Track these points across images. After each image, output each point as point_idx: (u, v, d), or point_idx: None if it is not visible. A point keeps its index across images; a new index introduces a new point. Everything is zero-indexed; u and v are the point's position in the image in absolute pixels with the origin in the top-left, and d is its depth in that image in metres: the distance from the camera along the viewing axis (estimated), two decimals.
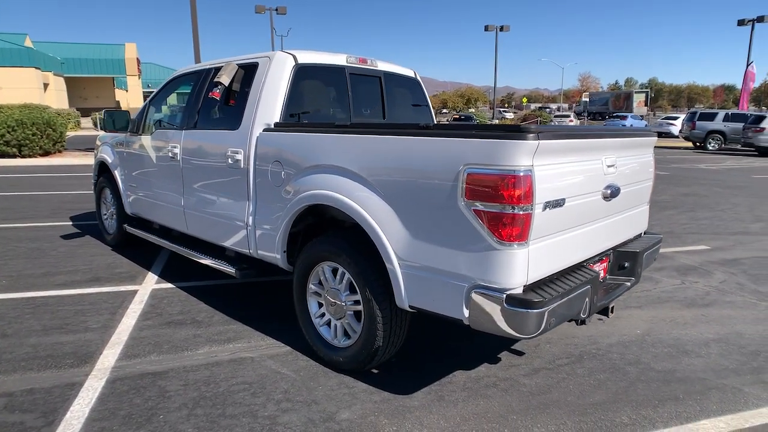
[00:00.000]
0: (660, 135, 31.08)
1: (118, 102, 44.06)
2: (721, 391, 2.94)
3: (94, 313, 3.87)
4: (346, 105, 3.95)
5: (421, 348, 3.39)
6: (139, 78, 44.00)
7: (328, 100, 3.89)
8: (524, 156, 2.18)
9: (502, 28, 37.27)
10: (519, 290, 2.28)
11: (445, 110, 52.69)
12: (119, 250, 5.55)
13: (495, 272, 2.26)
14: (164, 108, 5.02)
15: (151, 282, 4.57)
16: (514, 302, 2.22)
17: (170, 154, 4.27)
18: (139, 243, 5.55)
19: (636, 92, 59.97)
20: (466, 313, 2.38)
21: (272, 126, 3.44)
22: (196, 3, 14.60)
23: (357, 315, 2.96)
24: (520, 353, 3.37)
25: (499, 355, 3.33)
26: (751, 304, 4.33)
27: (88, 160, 14.50)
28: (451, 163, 2.33)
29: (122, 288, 4.41)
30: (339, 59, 3.89)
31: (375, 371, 3.06)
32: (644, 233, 3.59)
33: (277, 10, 31.01)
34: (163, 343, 3.40)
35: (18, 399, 2.71)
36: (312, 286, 3.20)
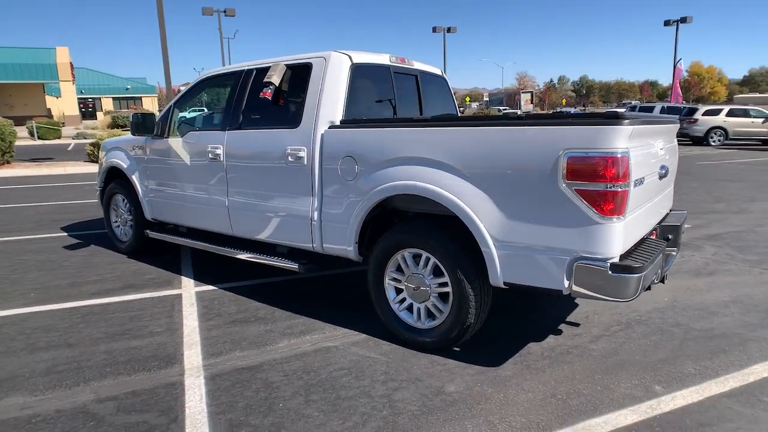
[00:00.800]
0: None
1: (49, 109, 41.46)
2: (756, 341, 3.36)
3: (150, 318, 3.83)
4: (392, 102, 4.12)
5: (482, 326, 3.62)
6: (74, 84, 41.63)
7: (376, 97, 4.04)
8: (622, 140, 2.46)
9: (449, 30, 38.21)
10: (617, 259, 2.56)
11: None
12: (136, 257, 5.42)
13: (598, 244, 2.53)
14: (191, 110, 4.98)
15: (190, 286, 4.54)
16: (618, 269, 2.50)
17: (210, 155, 4.27)
18: (156, 249, 5.47)
19: (522, 92, 63.51)
20: (566, 283, 2.63)
21: (337, 123, 3.56)
22: (160, 13, 14.08)
23: (442, 296, 3.15)
24: (575, 324, 3.68)
25: (559, 327, 3.62)
26: (745, 270, 4.87)
27: (43, 170, 13.74)
28: (550, 149, 2.58)
29: (163, 293, 4.36)
30: (383, 59, 4.05)
31: (456, 349, 3.26)
32: (671, 210, 4.00)
33: (225, 12, 30.34)
34: (240, 340, 3.44)
35: (126, 401, 2.70)
36: (390, 274, 3.35)
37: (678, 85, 27.82)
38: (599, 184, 2.47)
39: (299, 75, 3.86)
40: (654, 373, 2.97)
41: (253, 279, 4.68)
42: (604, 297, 2.57)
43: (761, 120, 20.71)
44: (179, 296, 4.28)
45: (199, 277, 4.75)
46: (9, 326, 3.69)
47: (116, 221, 5.72)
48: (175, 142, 4.66)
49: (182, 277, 4.79)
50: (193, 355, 3.22)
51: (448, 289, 3.08)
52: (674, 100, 28.10)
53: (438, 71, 4.74)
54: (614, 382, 2.87)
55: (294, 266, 3.84)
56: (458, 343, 3.16)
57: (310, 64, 3.76)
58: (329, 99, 3.59)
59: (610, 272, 2.50)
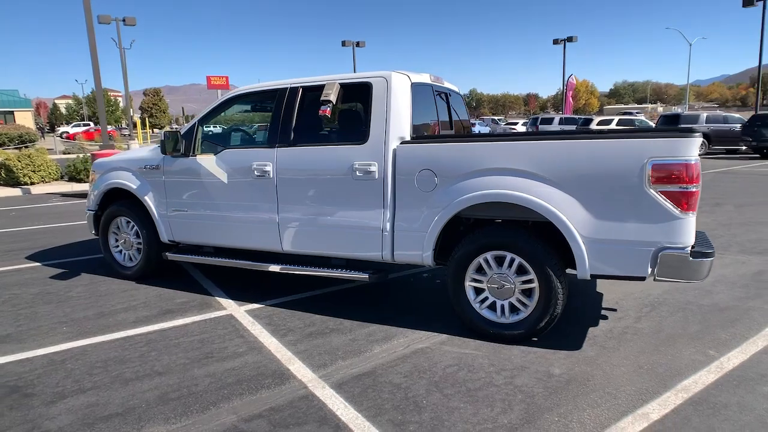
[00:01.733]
0: None
1: None
2: (755, 310, 4.13)
3: (221, 340, 3.76)
4: (435, 116, 4.45)
5: None
6: None
7: (426, 113, 4.34)
8: (695, 149, 3.01)
9: (358, 44, 39.06)
10: (690, 248, 3.11)
11: None
12: (145, 282, 5.15)
13: (679, 235, 3.06)
14: (214, 127, 4.88)
15: (233, 306, 4.46)
16: (697, 254, 3.05)
17: (257, 173, 4.28)
18: (165, 272, 5.26)
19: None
20: (649, 270, 3.14)
21: (407, 138, 3.81)
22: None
23: (526, 292, 3.52)
24: (613, 309, 4.23)
25: (603, 313, 4.15)
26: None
27: None
28: (636, 157, 3.07)
29: (212, 315, 4.26)
30: (426, 78, 4.37)
31: (534, 339, 3.64)
32: None
33: (125, 20, 28.39)
34: (333, 351, 3.54)
35: (274, 417, 2.73)
36: (471, 275, 3.66)
37: (570, 97, 31.03)
38: (680, 186, 3.00)
39: (356, 93, 4.05)
40: (700, 341, 3.57)
41: (291, 294, 4.71)
42: (683, 280, 3.11)
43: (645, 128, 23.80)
44: (231, 317, 4.21)
45: (235, 297, 4.67)
46: (72, 361, 3.44)
47: (117, 246, 5.38)
48: (207, 160, 4.58)
49: (216, 297, 4.67)
50: (300, 369, 3.27)
51: (533, 285, 3.46)
52: (568, 111, 31.27)
53: (456, 88, 5.14)
54: (677, 352, 3.42)
55: (364, 276, 3.99)
56: (544, 332, 3.54)
57: (370, 83, 3.97)
58: (397, 116, 3.83)
59: (690, 258, 3.04)
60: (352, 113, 4.18)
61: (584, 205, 3.23)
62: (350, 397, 2.93)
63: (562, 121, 27.06)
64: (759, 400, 2.81)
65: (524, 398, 2.88)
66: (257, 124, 5.92)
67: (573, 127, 25.45)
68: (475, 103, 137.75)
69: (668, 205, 3.04)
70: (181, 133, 4.71)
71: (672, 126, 20.50)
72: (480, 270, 3.65)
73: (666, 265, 3.09)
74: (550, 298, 3.41)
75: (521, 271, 3.50)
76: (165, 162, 4.84)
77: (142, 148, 6.20)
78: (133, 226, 5.19)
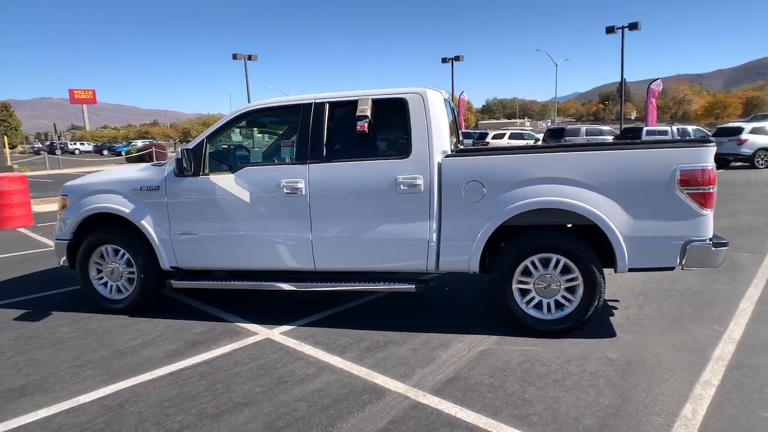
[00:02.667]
0: None
1: None
2: (722, 291, 4.94)
3: (281, 364, 3.62)
4: (458, 128, 4.71)
5: None
6: None
7: (449, 125, 4.56)
8: (712, 156, 3.62)
9: (250, 57, 38.15)
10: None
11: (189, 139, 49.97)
12: (141, 314, 4.71)
13: (703, 229, 3.63)
14: (224, 146, 4.64)
15: (263, 330, 4.28)
16: (717, 245, 3.64)
17: (286, 190, 4.19)
18: (158, 302, 4.89)
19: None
20: (678, 260, 3.68)
21: (448, 152, 4.02)
22: None
23: (570, 289, 3.89)
24: (616, 300, 4.79)
25: (610, 304, 4.67)
26: None
27: None
28: (668, 164, 3.60)
29: (248, 341, 4.05)
30: (444, 93, 4.61)
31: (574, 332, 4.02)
32: None
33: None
34: (404, 361, 3.60)
35: (400, 429, 2.76)
36: (518, 278, 3.95)
37: (462, 113, 33.28)
38: (702, 187, 3.58)
39: (390, 109, 4.18)
40: (701, 320, 4.22)
41: (315, 313, 4.63)
42: (705, 266, 3.69)
43: (533, 141, 26.32)
44: (271, 341, 4.05)
45: (257, 321, 4.47)
46: (131, 404, 3.10)
47: (100, 277, 4.84)
48: (223, 179, 4.36)
49: (237, 323, 4.44)
50: (387, 382, 3.30)
51: (577, 282, 3.84)
52: (461, 128, 33.49)
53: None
54: (691, 330, 4.02)
55: (410, 287, 4.09)
56: (587, 323, 3.93)
57: (404, 99, 4.12)
58: (438, 131, 4.03)
59: (713, 248, 3.62)
60: (389, 128, 4.28)
61: (623, 207, 3.69)
62: (457, 400, 3.04)
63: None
64: None
65: (606, 382, 3.21)
66: (268, 140, 5.68)
67: (470, 141, 27.33)
68: None
69: (693, 204, 3.60)
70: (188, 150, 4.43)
71: (557, 137, 22.97)
72: (525, 272, 3.95)
73: (693, 256, 3.65)
74: (594, 292, 3.81)
75: (565, 270, 3.87)
76: (168, 182, 4.50)
77: (127, 168, 5.65)
78: (124, 254, 4.72)
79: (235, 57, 37.90)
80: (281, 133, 5.29)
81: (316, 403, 3.06)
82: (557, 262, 3.87)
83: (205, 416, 2.95)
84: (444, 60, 38.65)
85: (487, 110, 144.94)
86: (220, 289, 4.97)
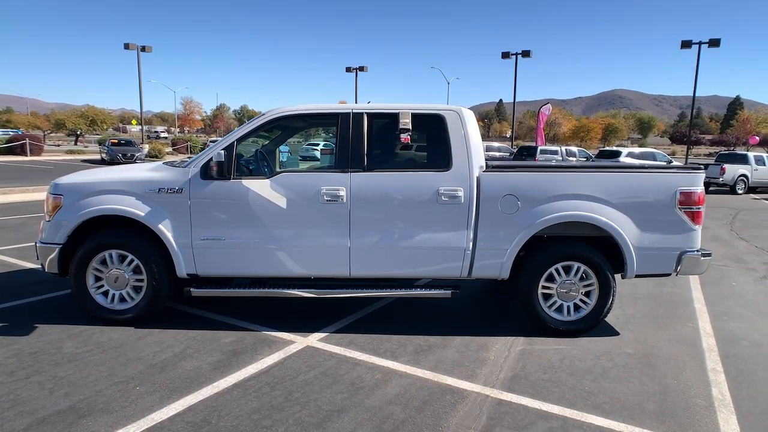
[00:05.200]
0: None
1: None
2: (676, 295, 5.85)
3: (344, 371, 3.65)
4: None
5: None
6: None
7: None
8: (702, 181, 4.36)
9: (144, 48, 35.35)
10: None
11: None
12: (145, 326, 4.37)
13: (694, 242, 4.36)
14: (249, 150, 4.47)
15: (299, 338, 4.22)
16: (705, 255, 4.39)
17: (327, 197, 4.22)
18: (165, 312, 4.60)
19: None
20: (674, 267, 4.36)
21: (484, 166, 4.34)
22: None
23: (586, 294, 4.41)
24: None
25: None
26: None
27: None
28: (670, 187, 4.27)
29: (292, 350, 3.99)
30: None
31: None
32: None
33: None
34: (459, 363, 3.83)
35: (502, 424, 3.00)
36: (543, 284, 4.38)
37: None
38: (695, 207, 4.30)
39: (427, 124, 4.42)
40: (675, 318, 5.00)
41: (340, 320, 4.67)
42: (693, 273, 4.42)
43: None
44: (315, 348, 4.03)
45: (283, 328, 4.39)
46: (217, 417, 2.95)
47: (100, 285, 4.40)
48: (258, 184, 4.25)
49: (265, 332, 4.32)
50: (460, 383, 3.51)
51: (593, 287, 4.37)
52: None
53: None
54: (673, 327, 4.75)
55: (447, 293, 4.34)
56: (599, 323, 4.47)
57: (442, 115, 4.39)
58: (476, 147, 4.34)
59: (701, 257, 4.36)
60: (427, 142, 4.47)
61: (634, 222, 4.29)
62: (532, 395, 3.35)
63: None
64: (757, 341, 4.24)
65: (640, 373, 3.74)
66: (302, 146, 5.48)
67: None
68: (247, 120, 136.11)
69: (688, 220, 4.31)
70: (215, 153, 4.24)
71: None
72: (549, 278, 4.39)
73: (686, 264, 4.35)
74: (607, 296, 4.36)
75: (583, 276, 4.38)
76: (193, 185, 4.26)
77: (131, 167, 5.12)
78: (132, 260, 4.35)
79: (127, 47, 34.86)
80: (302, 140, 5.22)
81: (407, 406, 3.17)
82: (578, 269, 4.37)
83: (307, 425, 2.92)
84: (348, 69, 39.22)
85: None
86: (232, 296, 4.77)
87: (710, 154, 54.04)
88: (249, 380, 3.46)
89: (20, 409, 3.01)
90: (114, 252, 4.35)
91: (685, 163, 21.96)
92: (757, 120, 71.54)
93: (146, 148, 31.06)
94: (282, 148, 5.70)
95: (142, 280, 4.39)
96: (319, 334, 4.32)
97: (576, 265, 4.36)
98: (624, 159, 20.79)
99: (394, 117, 4.39)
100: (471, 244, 4.30)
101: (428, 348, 4.10)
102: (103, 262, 4.38)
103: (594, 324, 4.42)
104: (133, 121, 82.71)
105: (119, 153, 26.73)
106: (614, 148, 23.21)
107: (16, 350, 3.84)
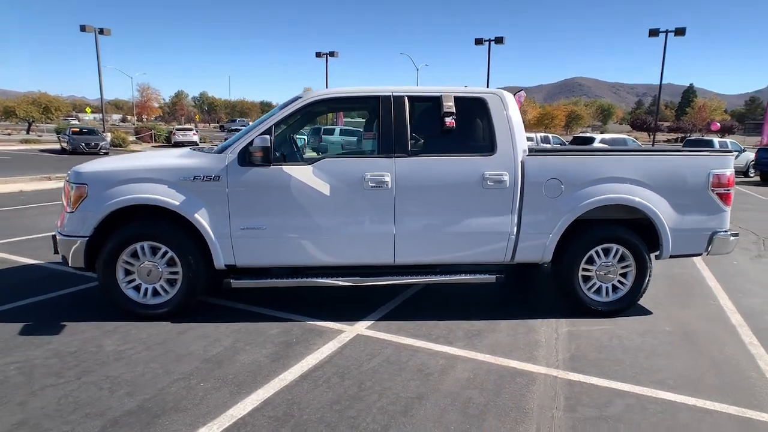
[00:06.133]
0: None
1: None
2: (685, 275, 6.07)
3: (407, 357, 3.61)
4: None
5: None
6: None
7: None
8: (732, 163, 4.50)
9: (101, 31, 33.68)
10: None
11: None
12: (186, 319, 4.20)
13: (725, 223, 4.52)
14: (292, 134, 4.32)
15: (346, 327, 4.15)
16: (734, 235, 4.55)
17: (371, 183, 4.13)
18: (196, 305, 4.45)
19: None
20: (705, 247, 4.51)
21: (529, 151, 4.34)
22: None
23: (623, 275, 4.50)
24: None
25: None
26: None
27: None
28: (704, 169, 4.40)
29: (344, 339, 3.92)
30: None
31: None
32: None
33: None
34: (515, 346, 3.86)
35: (583, 402, 3.03)
36: (583, 266, 4.44)
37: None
38: (726, 188, 4.44)
39: (469, 107, 4.37)
40: (696, 297, 5.19)
41: (376, 309, 4.62)
42: (723, 253, 4.57)
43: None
44: (366, 336, 3.98)
45: (325, 317, 4.31)
46: (298, 410, 2.86)
47: (131, 279, 4.18)
48: (300, 171, 4.12)
49: (308, 322, 4.23)
50: (525, 365, 3.53)
51: (630, 269, 4.47)
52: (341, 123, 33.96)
53: None
54: (698, 305, 4.93)
55: (492, 278, 4.34)
56: (635, 304, 4.58)
57: (484, 99, 4.36)
58: (519, 130, 4.34)
59: (731, 237, 4.52)
60: (471, 125, 4.42)
61: (670, 204, 4.40)
62: (598, 375, 3.41)
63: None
64: None
65: (687, 349, 3.87)
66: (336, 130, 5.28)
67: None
68: (207, 108, 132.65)
69: (719, 202, 4.45)
70: (254, 138, 4.09)
71: None
72: (589, 261, 4.46)
73: (716, 245, 4.50)
74: (644, 276, 4.47)
75: (621, 258, 4.47)
76: (231, 172, 4.09)
77: (160, 153, 4.84)
78: (166, 252, 4.15)
79: (83, 29, 33.10)
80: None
81: (483, 390, 3.17)
82: (616, 251, 4.45)
83: (393, 413, 2.88)
84: (318, 54, 38.61)
85: None
86: (270, 287, 4.63)
87: (668, 141, 56.16)
88: (314, 371, 3.37)
89: (85, 411, 2.84)
90: (146, 244, 4.14)
91: None
92: (711, 107, 74.81)
93: (109, 136, 29.76)
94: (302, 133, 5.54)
95: (176, 273, 4.20)
96: (364, 322, 4.25)
97: (615, 247, 4.44)
98: (598, 145, 21.33)
99: (434, 100, 4.33)
100: (515, 228, 4.31)
101: (478, 332, 4.10)
102: (134, 255, 4.17)
103: (631, 304, 4.53)
104: (87, 109, 79.19)
105: (82, 142, 25.48)
106: (588, 135, 23.80)
107: (54, 350, 3.61)
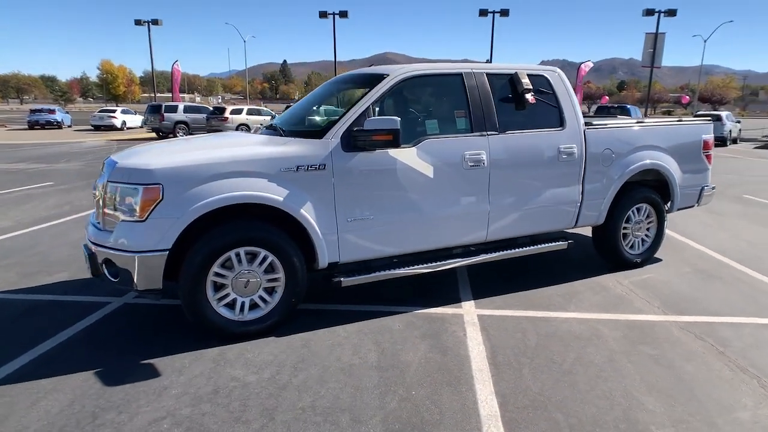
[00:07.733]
0: (101, 129, 31.19)
1: None
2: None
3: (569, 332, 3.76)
4: None
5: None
6: None
7: None
8: (712, 130, 5.52)
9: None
10: None
11: None
12: (291, 330, 3.69)
13: (709, 179, 5.55)
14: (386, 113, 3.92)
15: (457, 311, 4.10)
16: (713, 189, 5.61)
17: (470, 162, 4.09)
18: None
19: None
20: (696, 200, 5.51)
21: (587, 123, 4.71)
22: None
23: (648, 229, 5.25)
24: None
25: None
26: None
27: None
28: (697, 135, 5.33)
29: (473, 321, 3.88)
30: None
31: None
32: None
33: None
34: (620, 298, 4.27)
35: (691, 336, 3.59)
36: (624, 225, 5.06)
37: (177, 88, 30.49)
38: (708, 150, 5.46)
39: (537, 84, 4.56)
40: (682, 244, 6.27)
41: (459, 289, 4.63)
42: (705, 204, 5.62)
43: (269, 117, 26.37)
44: (487, 315, 3.99)
45: (424, 305, 4.19)
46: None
47: (225, 294, 3.48)
48: (403, 153, 3.86)
49: (418, 311, 4.06)
50: (657, 318, 3.95)
51: (654, 223, 5.24)
52: (178, 100, 30.61)
53: None
54: (684, 248, 5.98)
55: (564, 245, 4.68)
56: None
57: (546, 75, 4.59)
58: (576, 105, 4.68)
59: (712, 190, 5.58)
60: (538, 101, 4.56)
61: (679, 166, 5.24)
62: (699, 312, 4.04)
63: (186, 110, 26.61)
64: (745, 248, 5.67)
65: (723, 282, 4.75)
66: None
67: (201, 116, 25.66)
68: None
69: (706, 161, 5.45)
70: (353, 121, 3.70)
71: None
72: (627, 220, 5.08)
73: (704, 198, 5.53)
74: (662, 229, 5.28)
75: (648, 215, 5.20)
76: (335, 159, 3.64)
77: (238, 140, 3.85)
78: (266, 258, 3.54)
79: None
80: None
81: (647, 344, 3.50)
82: (645, 209, 5.15)
83: (642, 372, 3.03)
84: (137, 21, 33.96)
85: (148, 82, 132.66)
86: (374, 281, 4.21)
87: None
88: (496, 355, 3.31)
89: None
90: (242, 250, 3.48)
91: None
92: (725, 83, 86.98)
93: None
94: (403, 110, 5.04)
95: (276, 280, 3.62)
96: (466, 303, 4.24)
97: (645, 206, 5.14)
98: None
99: (508, 77, 4.42)
100: (581, 196, 4.68)
101: (569, 296, 4.42)
102: (227, 266, 3.47)
103: (653, 254, 5.32)
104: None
105: None
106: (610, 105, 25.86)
107: (193, 394, 2.87)
